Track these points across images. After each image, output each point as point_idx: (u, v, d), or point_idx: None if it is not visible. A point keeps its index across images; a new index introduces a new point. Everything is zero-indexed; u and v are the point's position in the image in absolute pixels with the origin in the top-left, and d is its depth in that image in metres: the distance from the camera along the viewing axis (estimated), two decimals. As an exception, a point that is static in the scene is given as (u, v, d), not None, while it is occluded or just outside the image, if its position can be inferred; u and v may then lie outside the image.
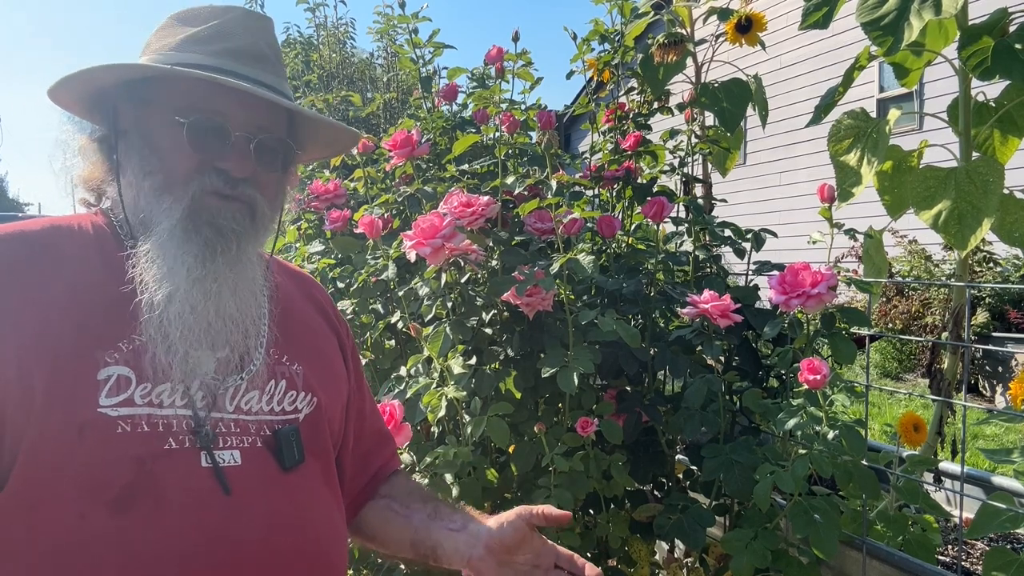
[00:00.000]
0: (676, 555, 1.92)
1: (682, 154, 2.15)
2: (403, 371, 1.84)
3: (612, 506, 1.80)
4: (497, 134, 2.04)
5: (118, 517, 0.81)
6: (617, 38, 2.21)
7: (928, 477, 1.97)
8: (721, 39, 2.09)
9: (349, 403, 1.12)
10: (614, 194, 2.18)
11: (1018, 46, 1.55)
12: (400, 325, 1.91)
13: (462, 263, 1.76)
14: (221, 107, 0.91)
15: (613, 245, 1.98)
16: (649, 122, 2.21)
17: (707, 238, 2.01)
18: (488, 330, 1.79)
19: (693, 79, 2.17)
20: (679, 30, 2.01)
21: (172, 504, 0.83)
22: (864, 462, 1.54)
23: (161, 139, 0.91)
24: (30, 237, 0.91)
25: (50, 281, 0.87)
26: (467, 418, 1.66)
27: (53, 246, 0.91)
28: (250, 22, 0.97)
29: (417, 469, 1.70)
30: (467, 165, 2.10)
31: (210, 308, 0.89)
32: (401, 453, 1.76)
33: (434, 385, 1.67)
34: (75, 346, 0.84)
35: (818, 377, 1.44)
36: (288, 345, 1.02)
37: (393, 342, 2.14)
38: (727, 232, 1.95)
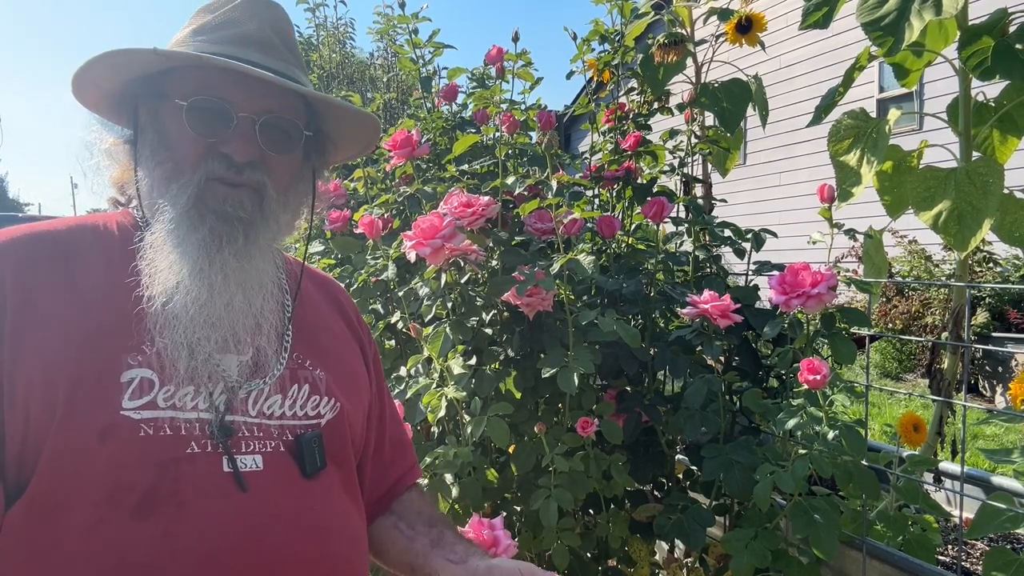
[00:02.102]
0: (676, 555, 1.92)
1: (682, 154, 2.15)
2: (403, 371, 1.84)
3: (612, 506, 1.80)
4: (497, 134, 2.04)
5: (139, 521, 0.80)
6: (617, 38, 2.21)
7: (928, 477, 1.97)
8: (721, 39, 2.09)
9: (370, 410, 1.11)
10: (614, 194, 2.18)
11: (1018, 46, 1.55)
12: (400, 325, 1.91)
13: (462, 263, 1.76)
14: (225, 92, 0.90)
15: (613, 245, 1.98)
16: (649, 122, 2.21)
17: (707, 238, 2.01)
18: (488, 330, 1.79)
19: (693, 79, 2.17)
20: (679, 30, 2.01)
21: (193, 509, 0.83)
22: (864, 462, 1.53)
23: (170, 127, 0.91)
24: (55, 237, 0.90)
25: (75, 282, 0.86)
26: (467, 418, 1.66)
27: (78, 246, 0.90)
28: (256, 9, 0.96)
29: (417, 469, 1.70)
30: (467, 165, 2.10)
31: (216, 301, 0.87)
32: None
33: (434, 385, 1.67)
34: (99, 348, 0.83)
35: (818, 377, 1.44)
36: (311, 350, 1.01)
37: (393, 342, 2.14)
38: (727, 232, 1.95)
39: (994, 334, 6.21)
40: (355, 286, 2.01)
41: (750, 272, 1.95)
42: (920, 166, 1.88)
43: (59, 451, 0.79)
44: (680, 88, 2.15)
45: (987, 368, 6.21)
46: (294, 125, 0.96)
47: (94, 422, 0.80)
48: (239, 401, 0.90)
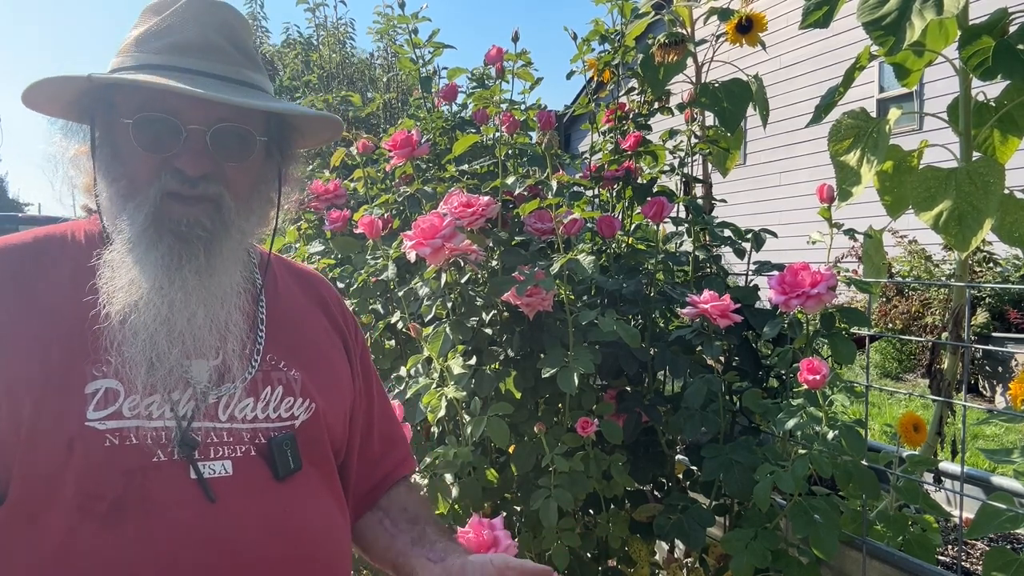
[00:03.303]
0: (676, 555, 1.92)
1: (682, 154, 2.15)
2: (403, 371, 1.84)
3: (612, 506, 1.80)
4: (497, 134, 2.03)
5: (108, 530, 0.81)
6: (617, 38, 2.21)
7: (928, 477, 1.97)
8: (721, 39, 2.09)
9: (355, 406, 1.10)
10: (614, 194, 2.18)
11: (1019, 46, 1.55)
12: (400, 325, 1.91)
13: (462, 263, 1.76)
14: (172, 105, 0.88)
15: (613, 245, 1.98)
16: (649, 122, 2.21)
17: (707, 238, 2.01)
18: (488, 330, 1.79)
19: (693, 79, 2.17)
20: (679, 30, 2.01)
21: (161, 517, 0.83)
22: (864, 462, 1.53)
23: (121, 144, 0.89)
24: (21, 250, 0.90)
25: (40, 294, 0.86)
26: (467, 418, 1.66)
27: (43, 258, 0.90)
28: (197, 13, 0.92)
29: (417, 469, 1.70)
30: (467, 165, 2.10)
31: (177, 318, 0.87)
32: (401, 453, 1.75)
33: (434, 385, 1.67)
34: (63, 360, 0.83)
35: (818, 377, 1.44)
36: (286, 349, 1.00)
37: (393, 342, 2.14)
38: (727, 232, 1.95)
39: (994, 334, 6.21)
40: (355, 286, 2.01)
41: (750, 272, 1.95)
42: (920, 166, 1.88)
43: (29, 462, 0.80)
44: (680, 88, 2.15)
45: (987, 368, 6.21)
46: (248, 132, 0.92)
47: (61, 434, 0.81)
48: (208, 407, 0.90)
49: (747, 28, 2.00)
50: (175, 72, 0.87)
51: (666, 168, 2.18)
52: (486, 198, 1.70)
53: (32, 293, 0.87)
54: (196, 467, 0.86)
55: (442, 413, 1.63)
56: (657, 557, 1.90)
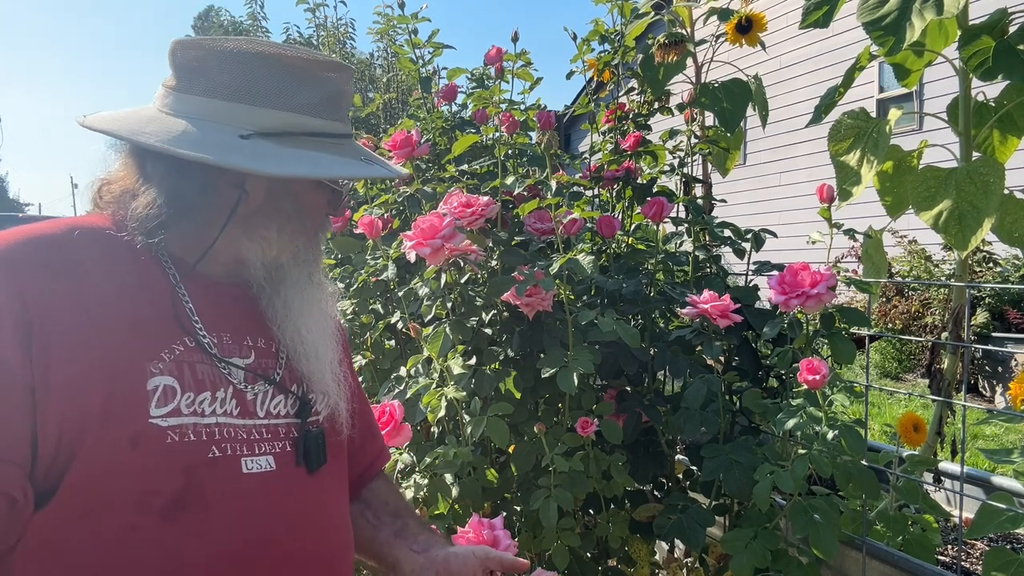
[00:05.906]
0: (676, 555, 1.92)
1: (682, 154, 2.15)
2: (403, 371, 1.84)
3: (612, 506, 1.80)
4: (497, 134, 2.03)
5: (167, 525, 0.82)
6: (617, 38, 2.21)
7: (928, 477, 1.97)
8: (721, 39, 2.09)
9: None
10: (614, 194, 2.18)
11: (1019, 46, 1.55)
12: (400, 325, 1.91)
13: (462, 263, 1.76)
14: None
15: (613, 245, 1.98)
16: (649, 122, 2.21)
17: (707, 238, 2.01)
18: (488, 330, 1.79)
19: (693, 79, 2.17)
20: (679, 30, 2.01)
21: (217, 511, 0.85)
22: (864, 462, 1.54)
23: (304, 199, 0.99)
24: (60, 242, 0.88)
25: (91, 288, 0.86)
26: (467, 418, 1.66)
27: (85, 252, 0.89)
28: (349, 76, 1.02)
29: (417, 469, 1.70)
30: (467, 165, 2.10)
31: (311, 326, 1.01)
32: (401, 453, 1.76)
33: (434, 385, 1.67)
34: (125, 356, 0.85)
35: (817, 377, 1.44)
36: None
37: (393, 342, 2.14)
38: (727, 232, 1.95)
39: (994, 334, 6.21)
40: (355, 286, 2.01)
41: (750, 272, 1.95)
42: (920, 166, 1.88)
43: (92, 457, 0.80)
44: (680, 88, 2.15)
45: (987, 368, 6.21)
46: None
47: (126, 430, 0.82)
48: (248, 404, 0.93)
49: (747, 28, 2.00)
50: (349, 143, 1.00)
51: (666, 168, 2.18)
52: (486, 198, 1.70)
53: (80, 287, 0.86)
54: (249, 462, 0.90)
55: (442, 413, 1.63)
56: (657, 557, 1.90)
